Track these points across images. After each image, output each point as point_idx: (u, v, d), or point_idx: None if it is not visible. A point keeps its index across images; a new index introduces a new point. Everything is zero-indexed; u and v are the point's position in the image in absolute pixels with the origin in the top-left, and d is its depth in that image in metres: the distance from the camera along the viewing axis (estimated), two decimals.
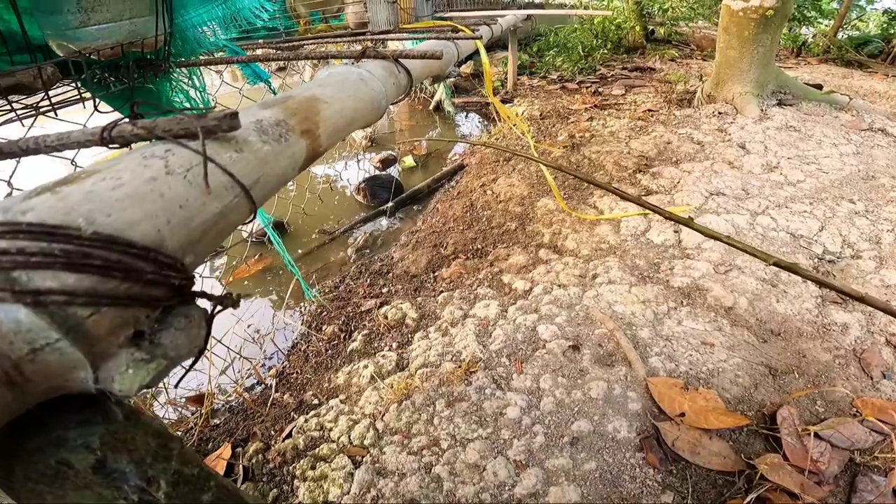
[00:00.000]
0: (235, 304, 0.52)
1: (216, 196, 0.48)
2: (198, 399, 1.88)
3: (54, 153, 0.48)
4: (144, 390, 0.44)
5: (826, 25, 6.82)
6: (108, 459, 0.44)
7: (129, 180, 0.39)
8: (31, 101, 0.91)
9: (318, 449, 1.50)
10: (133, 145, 0.49)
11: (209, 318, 0.49)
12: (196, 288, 0.48)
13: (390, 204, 3.06)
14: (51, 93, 0.89)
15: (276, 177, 0.62)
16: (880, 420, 1.40)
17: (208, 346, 1.89)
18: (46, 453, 0.42)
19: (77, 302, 0.32)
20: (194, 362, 0.52)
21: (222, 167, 0.50)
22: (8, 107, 0.83)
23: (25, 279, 0.31)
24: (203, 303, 0.51)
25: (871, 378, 1.59)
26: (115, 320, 0.36)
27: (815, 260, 2.17)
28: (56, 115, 0.88)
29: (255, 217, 0.61)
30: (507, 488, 1.30)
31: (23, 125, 0.86)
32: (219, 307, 0.49)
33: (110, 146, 0.45)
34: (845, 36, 6.63)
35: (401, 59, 1.07)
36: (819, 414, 1.47)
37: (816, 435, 1.37)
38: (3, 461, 0.42)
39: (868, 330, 1.77)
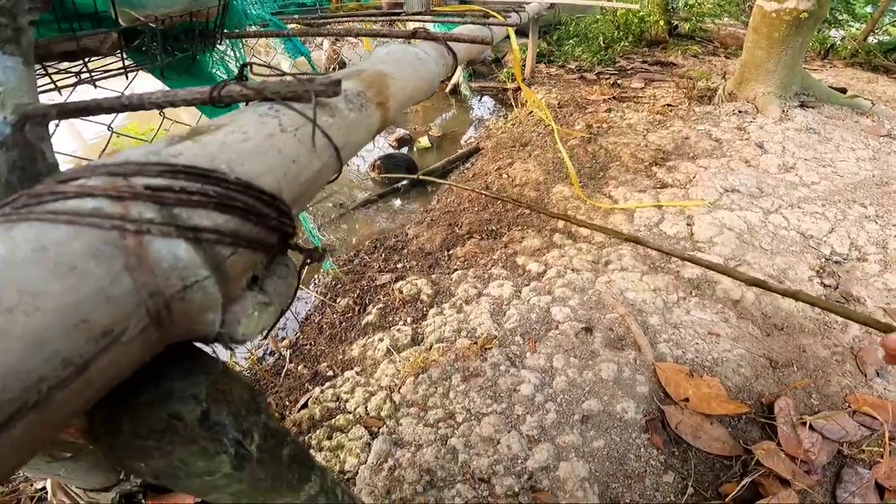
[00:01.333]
0: (322, 258, 0.56)
1: (318, 155, 0.52)
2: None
3: (156, 108, 0.52)
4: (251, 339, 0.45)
5: (857, 29, 6.73)
6: (212, 411, 0.45)
7: (253, 134, 0.43)
8: (91, 66, 0.94)
9: (334, 419, 1.55)
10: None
11: (299, 271, 0.53)
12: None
13: (405, 182, 3.10)
14: (105, 59, 0.92)
15: (357, 143, 0.67)
16: (870, 415, 1.46)
17: None
18: (157, 406, 0.42)
19: (224, 241, 0.35)
20: (282, 312, 0.56)
21: (322, 130, 0.54)
22: (78, 68, 0.86)
23: (186, 216, 0.34)
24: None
25: (865, 375, 1.64)
26: (245, 262, 0.39)
27: (823, 260, 2.21)
28: (127, 77, 0.91)
29: (338, 176, 0.65)
30: (519, 461, 1.36)
31: (95, 86, 0.89)
32: (309, 260, 0.53)
33: (216, 105, 0.49)
34: (876, 41, 6.55)
35: (449, 42, 1.10)
36: (814, 406, 1.53)
37: (810, 426, 1.43)
38: (110, 420, 0.43)
39: (867, 330, 1.82)
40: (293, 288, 0.48)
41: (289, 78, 0.49)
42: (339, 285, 2.30)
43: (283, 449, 0.55)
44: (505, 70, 5.15)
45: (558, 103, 4.02)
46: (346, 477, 1.42)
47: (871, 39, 6.47)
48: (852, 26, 6.70)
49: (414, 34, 1.02)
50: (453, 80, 4.89)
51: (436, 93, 5.00)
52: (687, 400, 1.53)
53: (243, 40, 1.44)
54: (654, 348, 1.70)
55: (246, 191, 0.38)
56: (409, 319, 1.96)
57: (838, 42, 6.56)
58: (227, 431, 0.46)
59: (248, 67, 0.52)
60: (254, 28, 1.54)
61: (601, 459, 1.38)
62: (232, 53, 1.39)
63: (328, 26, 1.41)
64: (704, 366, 1.65)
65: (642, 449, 1.41)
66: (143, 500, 1.38)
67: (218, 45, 1.21)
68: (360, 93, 0.65)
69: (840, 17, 6.39)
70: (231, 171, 0.38)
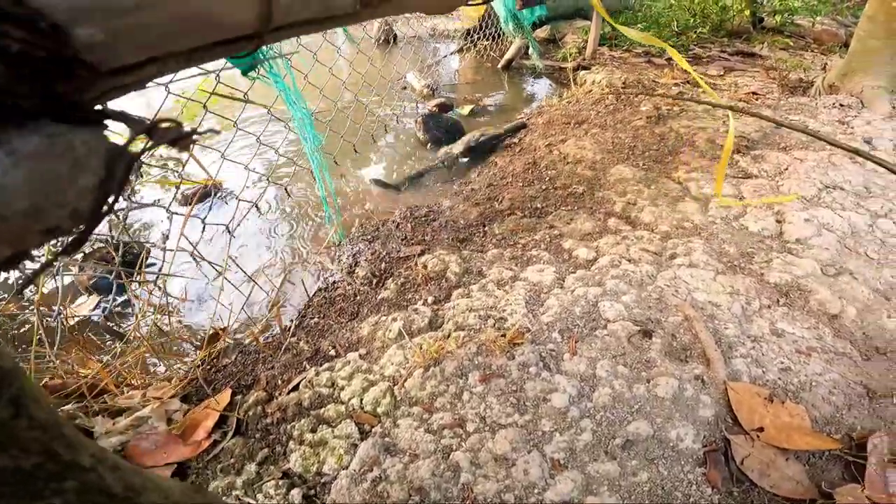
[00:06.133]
0: (183, 142, 0.28)
1: None
2: (213, 337, 1.72)
3: None
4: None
5: None
6: None
7: None
8: None
9: (323, 409, 1.30)
10: None
11: (112, 157, 0.24)
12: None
13: (451, 155, 2.81)
14: None
15: None
16: None
17: (224, 269, 1.70)
18: None
19: None
20: (68, 250, 0.28)
21: None
22: None
23: None
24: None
25: None
26: None
27: None
28: None
29: (257, 46, 0.37)
30: (536, 491, 1.07)
31: None
32: (141, 139, 0.25)
33: None
34: None
35: None
36: None
37: None
38: None
39: None
40: (63, 188, 0.20)
41: None
42: (359, 254, 2.04)
43: None
44: (563, 50, 4.77)
45: (623, 84, 3.62)
46: (322, 480, 1.16)
47: None
48: None
49: None
50: (507, 56, 4.55)
51: (487, 68, 4.69)
52: (761, 429, 1.21)
53: None
54: (726, 364, 1.35)
55: None
56: (430, 299, 1.68)
57: None
58: None
59: None
60: None
61: (640, 496, 1.08)
62: None
63: None
64: (788, 390, 1.31)
65: (694, 486, 1.10)
66: None
67: None
68: None
69: None
70: None
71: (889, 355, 1.46)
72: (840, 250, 1.79)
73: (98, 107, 0.25)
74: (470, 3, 1.14)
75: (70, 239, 0.27)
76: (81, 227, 0.25)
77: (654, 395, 1.25)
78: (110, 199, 0.25)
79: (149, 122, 0.25)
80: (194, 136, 0.27)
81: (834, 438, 1.20)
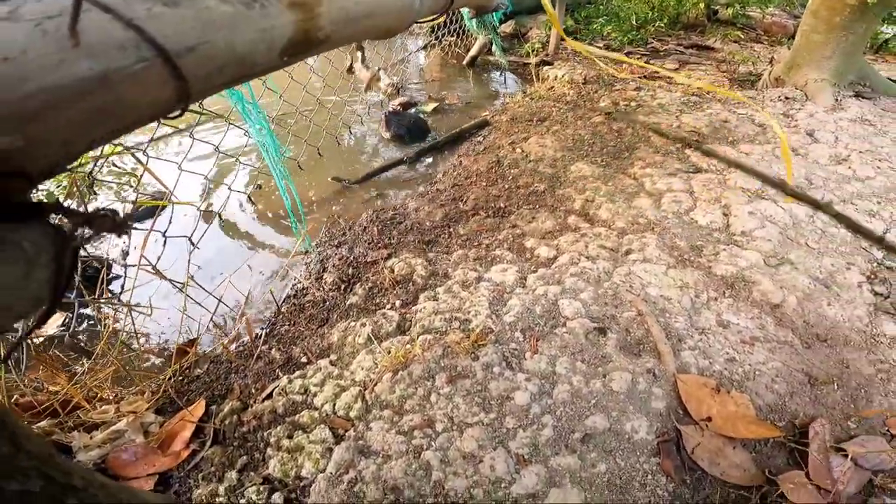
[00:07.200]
0: (119, 229, 0.31)
1: (94, 53, 0.29)
2: (182, 350, 1.73)
3: None
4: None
5: None
6: None
7: None
8: None
9: (298, 416, 1.34)
10: None
11: (60, 250, 0.28)
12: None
13: (410, 153, 2.85)
14: None
15: (232, 50, 0.43)
16: None
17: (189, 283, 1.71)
18: None
19: None
20: (36, 325, 0.31)
21: (124, 17, 0.30)
22: None
23: None
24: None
25: None
26: None
27: (875, 264, 1.93)
28: None
29: (184, 109, 0.41)
30: (503, 485, 1.13)
31: None
32: (83, 229, 0.28)
33: None
34: None
35: None
36: (850, 430, 1.32)
37: (841, 451, 1.24)
38: None
39: None
40: (21, 284, 0.23)
41: None
42: (327, 259, 2.07)
43: None
44: (527, 45, 4.84)
45: (584, 80, 3.71)
46: (301, 484, 1.20)
47: None
48: None
49: None
50: (471, 52, 4.58)
51: (452, 65, 4.71)
52: (709, 419, 1.30)
53: None
54: (676, 356, 1.44)
55: None
56: (397, 303, 1.72)
57: (892, 38, 6.06)
58: None
59: None
60: None
61: (600, 487, 1.15)
62: None
63: None
64: (733, 380, 1.40)
65: (650, 476, 1.18)
66: None
67: None
68: None
69: None
70: None
71: (829, 342, 1.57)
72: (782, 241, 1.91)
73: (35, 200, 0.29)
74: (419, 21, 1.18)
75: (40, 313, 0.30)
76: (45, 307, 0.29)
77: (610, 389, 1.32)
78: (65, 283, 0.28)
79: (87, 214, 0.28)
80: (124, 222, 0.30)
81: (777, 426, 1.29)
